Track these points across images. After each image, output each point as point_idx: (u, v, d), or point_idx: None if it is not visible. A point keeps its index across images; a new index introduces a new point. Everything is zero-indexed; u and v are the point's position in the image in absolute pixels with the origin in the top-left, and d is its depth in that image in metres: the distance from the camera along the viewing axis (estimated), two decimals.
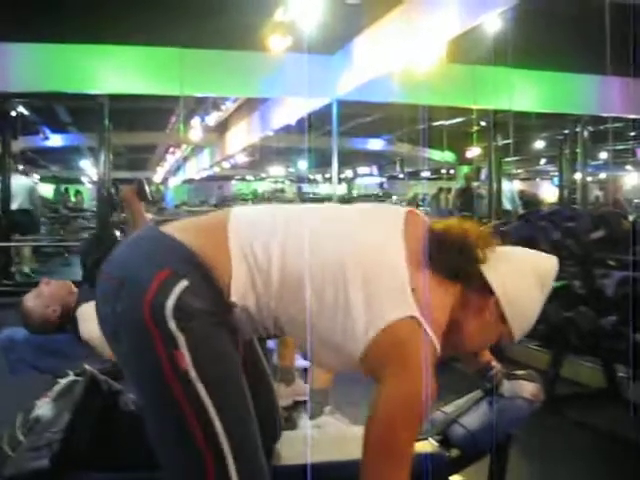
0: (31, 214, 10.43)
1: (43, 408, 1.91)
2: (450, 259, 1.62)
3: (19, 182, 10.38)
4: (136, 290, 1.50)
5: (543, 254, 1.78)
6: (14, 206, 9.84)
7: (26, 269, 9.97)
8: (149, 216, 4.01)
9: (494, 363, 2.03)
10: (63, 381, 1.98)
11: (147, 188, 3.60)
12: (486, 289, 1.66)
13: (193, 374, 1.48)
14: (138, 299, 1.49)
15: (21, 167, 11.72)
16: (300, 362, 3.84)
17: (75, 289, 3.26)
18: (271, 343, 3.64)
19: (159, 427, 1.56)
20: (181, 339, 1.47)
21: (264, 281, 1.55)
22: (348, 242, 1.60)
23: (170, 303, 1.47)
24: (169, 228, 1.63)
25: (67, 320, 3.11)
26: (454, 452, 2.06)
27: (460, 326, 1.65)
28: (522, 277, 1.69)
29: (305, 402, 3.26)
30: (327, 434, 2.54)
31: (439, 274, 1.60)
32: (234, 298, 1.54)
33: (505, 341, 1.73)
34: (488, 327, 1.69)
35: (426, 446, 2.03)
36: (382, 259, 1.57)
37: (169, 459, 1.55)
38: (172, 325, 1.47)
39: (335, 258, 1.56)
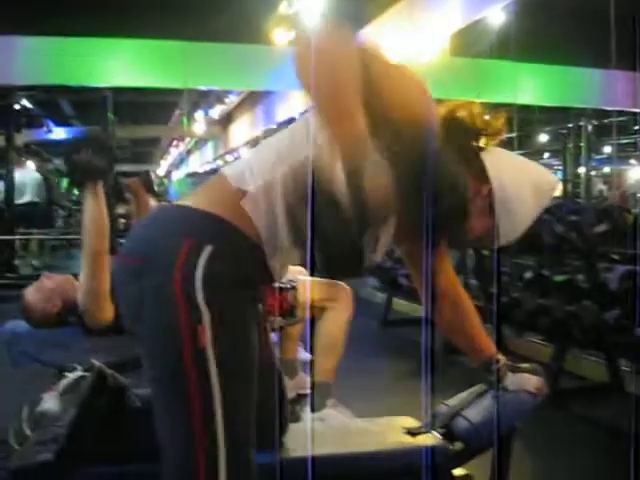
0: (40, 207, 10.46)
1: (50, 402, 1.91)
2: (454, 132, 1.64)
3: (30, 175, 10.39)
4: (165, 263, 1.50)
5: (547, 171, 1.80)
6: (26, 199, 9.89)
7: (35, 262, 9.97)
8: None
9: (498, 356, 2.03)
10: (70, 375, 1.98)
11: (154, 180, 3.60)
12: (483, 175, 1.67)
13: (210, 353, 1.48)
14: (168, 274, 1.48)
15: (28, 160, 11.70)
16: (303, 355, 3.84)
17: (77, 283, 3.26)
18: (274, 337, 3.65)
19: (162, 400, 1.57)
20: (207, 315, 1.47)
21: (271, 183, 1.55)
22: None
23: (199, 273, 1.47)
24: (181, 201, 1.65)
25: (69, 314, 3.11)
26: (457, 445, 2.06)
27: None
28: (519, 178, 1.71)
29: (308, 395, 3.27)
30: (330, 427, 2.55)
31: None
32: (257, 223, 1.54)
33: (488, 240, 1.73)
34: (476, 212, 1.67)
35: (429, 439, 2.03)
36: None
37: (165, 436, 1.56)
38: (200, 297, 1.47)
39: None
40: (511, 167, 1.73)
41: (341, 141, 1.39)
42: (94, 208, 2.87)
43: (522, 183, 1.70)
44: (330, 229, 1.41)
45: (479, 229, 1.72)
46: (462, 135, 1.67)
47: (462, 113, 1.71)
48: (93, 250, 2.88)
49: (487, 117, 1.72)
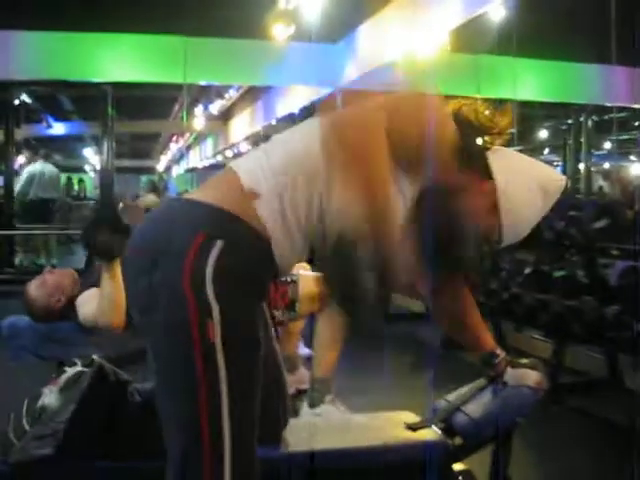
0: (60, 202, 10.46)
1: (49, 397, 1.91)
2: (460, 130, 1.65)
3: (49, 169, 10.34)
4: (174, 257, 1.50)
5: (555, 171, 1.79)
6: (47, 194, 9.89)
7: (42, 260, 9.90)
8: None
9: (498, 351, 2.03)
10: (70, 370, 1.98)
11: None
12: (488, 174, 1.67)
13: (218, 347, 1.48)
14: (177, 266, 1.49)
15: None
16: (303, 350, 3.84)
17: (78, 278, 3.26)
18: (274, 331, 3.65)
19: (169, 394, 1.57)
20: (216, 310, 1.48)
21: (284, 186, 1.56)
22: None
23: (209, 269, 1.47)
24: (188, 196, 1.66)
25: (70, 309, 3.11)
26: (457, 440, 2.06)
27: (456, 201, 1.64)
28: (525, 177, 1.70)
29: (307, 390, 3.26)
30: (330, 422, 2.55)
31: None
32: (267, 223, 1.55)
33: (490, 238, 1.72)
34: (481, 212, 1.68)
35: (429, 434, 2.04)
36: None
37: (170, 429, 1.56)
38: (210, 292, 1.47)
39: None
40: (518, 167, 1.72)
41: (369, 204, 1.47)
42: (111, 286, 2.88)
43: (528, 183, 1.69)
44: (349, 279, 1.47)
45: (486, 227, 1.71)
46: (467, 133, 1.66)
47: (467, 111, 1.71)
48: (108, 323, 2.89)
49: (493, 115, 1.71)
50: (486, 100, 1.85)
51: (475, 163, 1.67)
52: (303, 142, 1.64)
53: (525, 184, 1.69)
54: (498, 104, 1.78)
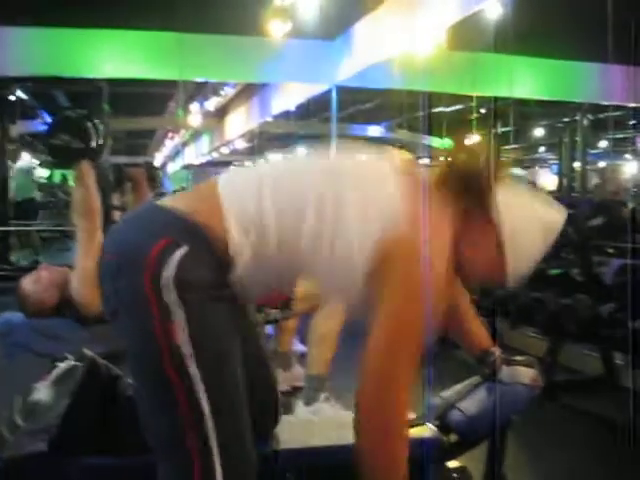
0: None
1: (42, 392, 1.91)
2: (460, 180, 1.64)
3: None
4: (136, 263, 1.49)
5: (553, 206, 1.78)
6: None
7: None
8: None
9: (493, 349, 2.03)
10: (63, 365, 1.97)
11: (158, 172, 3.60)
12: (489, 217, 1.66)
13: (187, 350, 1.47)
14: (138, 271, 1.48)
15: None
16: (298, 347, 3.84)
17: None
18: (269, 329, 3.65)
19: (148, 403, 1.56)
20: (179, 312, 1.46)
21: (261, 222, 1.54)
22: (343, 173, 1.63)
23: (170, 272, 1.46)
24: (163, 202, 1.64)
25: (65, 305, 3.10)
26: (452, 437, 2.06)
27: (459, 250, 1.63)
28: (528, 218, 1.68)
29: (302, 388, 3.26)
30: (324, 418, 2.55)
31: (446, 194, 1.62)
32: (235, 241, 1.53)
33: (498, 280, 1.72)
34: (485, 255, 1.67)
35: (424, 431, 2.03)
36: (377, 184, 1.60)
37: (157, 437, 1.55)
38: (172, 296, 1.46)
39: (329, 188, 1.57)
40: (518, 205, 1.70)
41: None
42: (79, 188, 2.89)
43: (530, 225, 1.68)
44: None
45: (491, 270, 1.70)
46: (468, 183, 1.65)
47: (463, 159, 1.69)
48: (83, 228, 2.89)
49: (487, 158, 1.69)
50: (477, 145, 1.84)
51: (480, 209, 1.65)
52: (297, 204, 1.59)
53: (527, 228, 1.68)
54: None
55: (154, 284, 1.46)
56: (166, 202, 1.63)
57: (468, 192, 1.64)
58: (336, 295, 1.67)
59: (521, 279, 1.73)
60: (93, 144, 2.98)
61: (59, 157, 2.98)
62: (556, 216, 1.75)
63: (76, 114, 3.20)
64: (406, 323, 1.51)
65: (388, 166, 1.65)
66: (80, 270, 2.92)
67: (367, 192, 1.58)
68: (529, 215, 1.70)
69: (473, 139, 10.59)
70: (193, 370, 1.47)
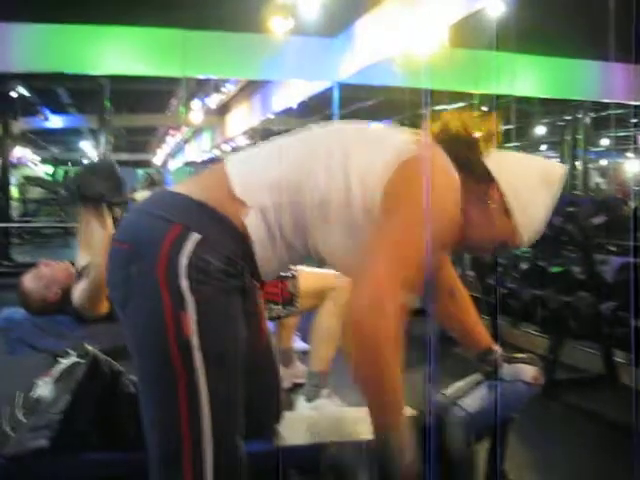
0: None
1: (44, 389, 1.91)
2: (452, 143, 1.64)
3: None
4: (150, 250, 1.49)
5: (550, 160, 1.78)
6: None
7: None
8: None
9: (494, 347, 2.03)
10: (64, 361, 1.97)
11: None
12: (490, 179, 1.66)
13: (195, 341, 1.47)
14: (152, 259, 1.48)
15: None
16: (299, 344, 3.84)
17: (74, 271, 3.25)
18: (270, 325, 3.64)
19: (150, 391, 1.56)
20: (191, 302, 1.47)
21: (273, 185, 1.56)
22: (349, 130, 1.67)
23: (184, 261, 1.47)
24: (171, 188, 1.65)
25: (66, 301, 3.10)
26: None
27: (464, 214, 1.62)
28: (526, 173, 1.69)
29: (304, 384, 3.26)
30: (326, 415, 2.55)
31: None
32: (248, 208, 1.54)
33: (512, 242, 1.71)
34: (493, 218, 1.67)
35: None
36: (387, 129, 1.66)
37: (150, 424, 1.56)
38: (184, 285, 1.46)
39: (338, 138, 1.62)
40: (515, 165, 1.71)
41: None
42: (95, 229, 2.97)
43: (530, 178, 1.69)
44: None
45: (502, 233, 1.70)
46: (459, 146, 1.65)
47: (454, 125, 1.70)
48: (91, 262, 2.92)
49: (479, 121, 1.70)
50: (468, 107, 1.85)
51: (476, 172, 1.65)
52: (301, 161, 1.61)
53: (527, 181, 1.68)
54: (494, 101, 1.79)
55: (168, 273, 1.47)
56: (176, 187, 1.64)
57: (460, 157, 1.64)
58: (347, 253, 1.62)
59: (536, 235, 1.73)
60: (120, 190, 3.08)
61: (87, 201, 3.05)
62: (555, 166, 1.76)
63: (106, 162, 3.32)
64: (411, 235, 1.46)
65: (396, 130, 1.69)
66: (88, 292, 2.94)
67: (377, 132, 1.65)
68: (526, 168, 1.71)
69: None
70: (198, 362, 1.48)
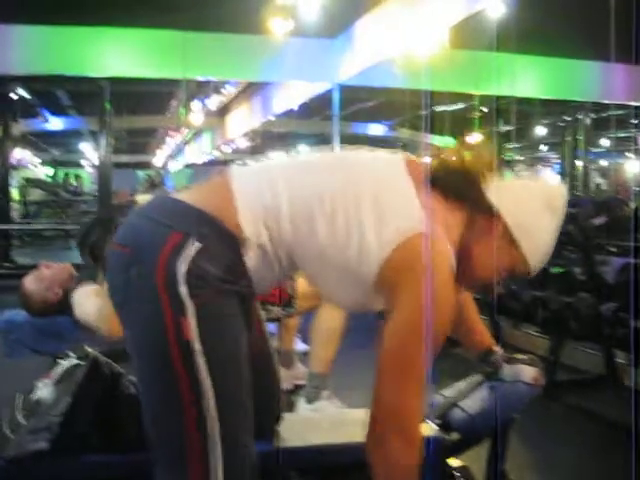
0: None
1: (44, 391, 1.91)
2: (452, 180, 1.64)
3: None
4: (149, 255, 1.49)
5: (550, 183, 1.77)
6: None
7: None
8: None
9: (495, 348, 2.03)
10: (64, 363, 1.97)
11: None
12: (492, 212, 1.65)
13: (196, 346, 1.47)
14: (152, 264, 1.48)
15: None
16: (300, 346, 3.84)
17: (75, 272, 3.25)
18: (271, 327, 3.64)
19: (152, 395, 1.56)
20: (190, 307, 1.47)
21: (275, 217, 1.55)
22: (356, 169, 1.64)
23: (183, 267, 1.47)
24: (177, 194, 1.64)
25: (67, 303, 3.10)
26: (454, 436, 2.06)
27: (470, 251, 1.63)
28: (528, 200, 1.68)
29: (304, 386, 3.26)
30: (326, 417, 2.54)
31: (444, 198, 1.62)
32: (247, 234, 1.53)
33: (521, 270, 1.70)
34: (499, 251, 1.65)
35: (426, 429, 2.03)
36: (391, 182, 1.60)
37: (152, 424, 1.55)
38: (183, 291, 1.46)
39: (344, 185, 1.57)
40: (516, 193, 1.70)
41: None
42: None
43: (532, 204, 1.67)
44: None
45: (510, 263, 1.69)
46: (460, 183, 1.65)
47: (453, 162, 1.69)
48: (109, 331, 2.90)
49: (476, 155, 1.70)
50: (463, 142, 1.83)
51: (478, 207, 1.65)
52: (309, 194, 1.59)
53: (530, 207, 1.67)
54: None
55: (166, 277, 1.47)
56: (180, 194, 1.63)
57: (461, 193, 1.64)
58: (339, 294, 1.65)
59: (545, 260, 1.73)
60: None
61: (94, 255, 3.05)
62: (556, 189, 1.75)
63: (110, 216, 3.30)
64: (418, 345, 1.49)
65: (399, 164, 1.65)
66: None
67: (381, 190, 1.57)
68: (528, 195, 1.70)
69: (474, 138, 10.61)
70: (201, 364, 1.47)
